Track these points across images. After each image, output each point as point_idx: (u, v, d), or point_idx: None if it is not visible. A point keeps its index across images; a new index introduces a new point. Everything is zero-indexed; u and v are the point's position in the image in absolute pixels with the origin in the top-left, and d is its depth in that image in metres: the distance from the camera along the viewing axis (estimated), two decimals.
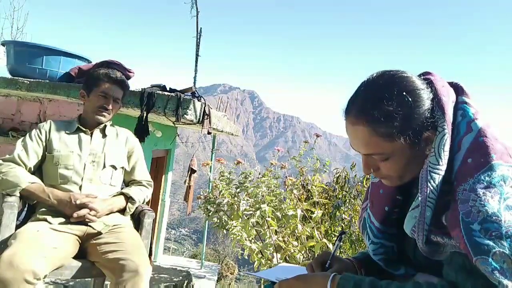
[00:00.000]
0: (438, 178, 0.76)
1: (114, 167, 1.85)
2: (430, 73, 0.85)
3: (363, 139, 0.80)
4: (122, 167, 1.90)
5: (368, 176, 3.02)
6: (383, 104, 0.77)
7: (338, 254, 1.06)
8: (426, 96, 0.78)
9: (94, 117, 1.84)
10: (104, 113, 1.84)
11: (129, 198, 1.82)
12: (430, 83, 0.81)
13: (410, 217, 0.80)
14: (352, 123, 0.81)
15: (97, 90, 1.83)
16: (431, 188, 0.76)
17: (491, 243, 0.66)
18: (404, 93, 0.77)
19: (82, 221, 1.68)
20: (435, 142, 0.77)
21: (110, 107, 1.84)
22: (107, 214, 1.75)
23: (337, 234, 2.70)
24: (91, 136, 1.85)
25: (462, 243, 0.69)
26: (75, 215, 1.62)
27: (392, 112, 0.76)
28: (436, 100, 0.79)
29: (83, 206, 1.65)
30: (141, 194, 1.89)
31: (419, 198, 0.77)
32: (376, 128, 0.77)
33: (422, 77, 0.84)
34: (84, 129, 1.85)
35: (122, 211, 1.83)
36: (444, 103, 0.78)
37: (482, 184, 0.70)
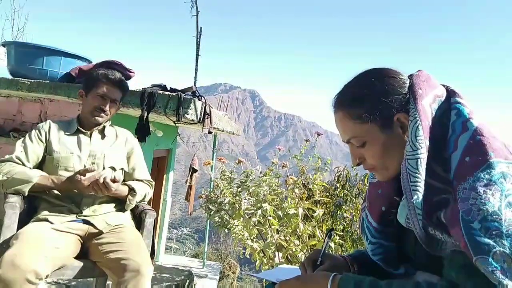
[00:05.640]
0: (415, 162, 0.77)
1: (113, 168, 1.84)
2: (419, 71, 0.87)
3: (340, 125, 0.89)
4: (122, 169, 1.89)
5: (368, 176, 3.01)
6: (355, 90, 0.87)
7: (340, 253, 1.06)
8: (397, 84, 0.84)
9: (91, 118, 1.83)
10: (101, 114, 1.83)
11: (131, 190, 1.81)
12: (410, 76, 0.86)
13: (402, 207, 0.82)
14: (334, 112, 0.90)
15: (95, 91, 1.82)
16: (410, 172, 0.78)
17: (491, 242, 0.65)
18: (373, 79, 0.85)
19: (84, 221, 1.69)
20: (409, 131, 0.80)
21: (107, 108, 1.83)
22: (108, 213, 1.75)
23: (338, 233, 2.70)
24: (90, 137, 1.85)
25: (462, 242, 0.68)
26: (86, 183, 1.61)
27: (361, 95, 0.85)
28: (411, 91, 0.83)
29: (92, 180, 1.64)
30: (143, 188, 1.88)
31: (402, 187, 0.79)
32: (349, 111, 0.86)
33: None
34: (83, 130, 1.85)
35: (123, 204, 1.82)
36: (418, 95, 0.81)
37: (482, 182, 0.70)
